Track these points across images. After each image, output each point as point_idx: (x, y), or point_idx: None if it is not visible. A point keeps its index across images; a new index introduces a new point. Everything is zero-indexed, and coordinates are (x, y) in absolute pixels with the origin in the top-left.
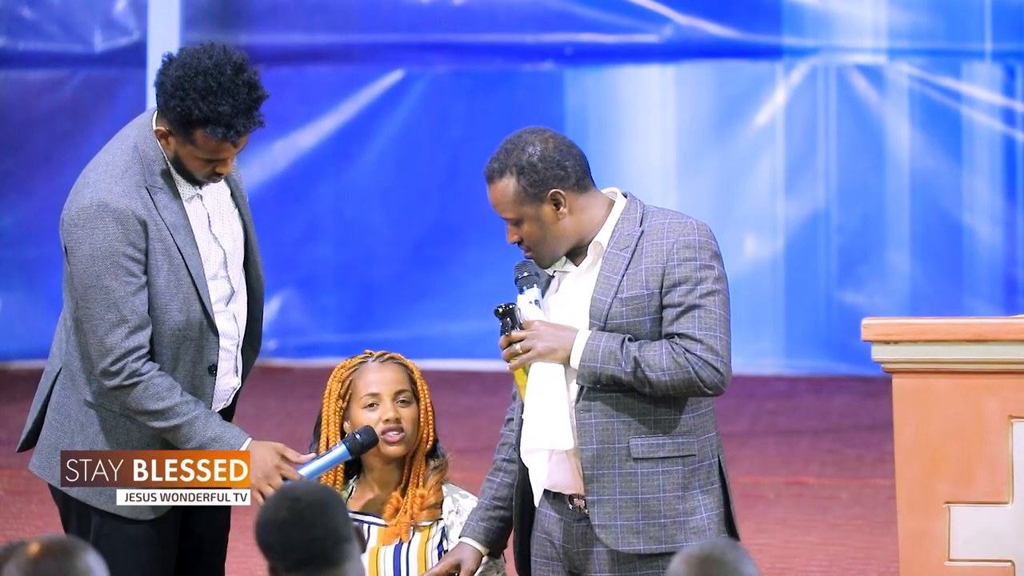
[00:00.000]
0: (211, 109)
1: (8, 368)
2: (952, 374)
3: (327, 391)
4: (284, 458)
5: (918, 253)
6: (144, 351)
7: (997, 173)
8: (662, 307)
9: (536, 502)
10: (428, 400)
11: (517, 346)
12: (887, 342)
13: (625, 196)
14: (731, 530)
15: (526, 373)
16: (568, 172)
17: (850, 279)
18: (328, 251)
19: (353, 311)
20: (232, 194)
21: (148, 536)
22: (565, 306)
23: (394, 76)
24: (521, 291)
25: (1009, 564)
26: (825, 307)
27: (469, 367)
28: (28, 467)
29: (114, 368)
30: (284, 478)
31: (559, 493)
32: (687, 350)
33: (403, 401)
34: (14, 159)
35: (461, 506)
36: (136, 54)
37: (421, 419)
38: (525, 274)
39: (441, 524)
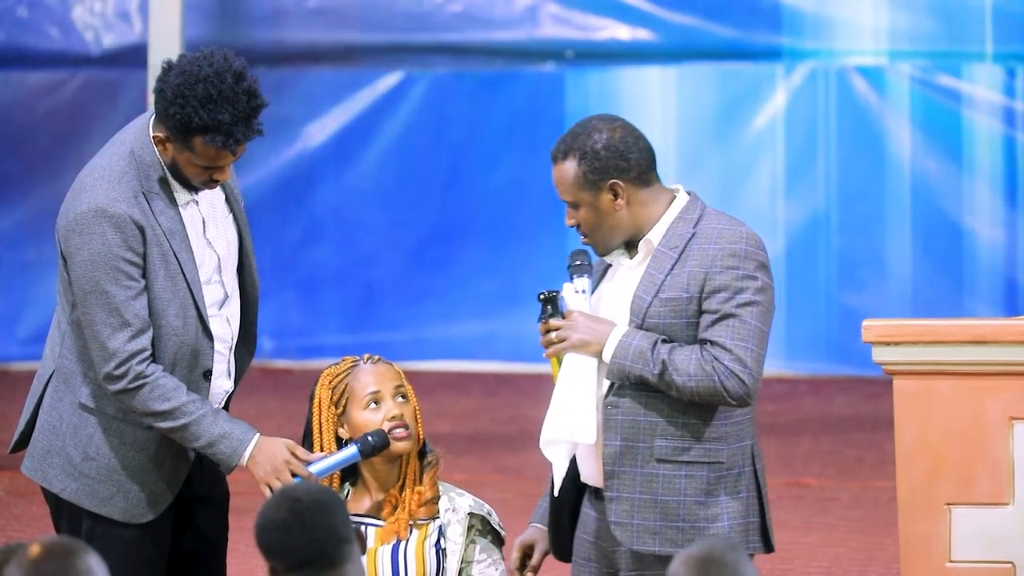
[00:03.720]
0: (211, 117)
1: (9, 369)
2: (953, 375)
3: (316, 400)
4: (293, 454)
5: (919, 255)
6: (147, 354)
7: (998, 174)
8: (701, 312)
9: (555, 492)
10: (415, 398)
11: (553, 335)
12: (888, 344)
13: (689, 194)
14: (765, 540)
15: (560, 362)
16: (630, 164)
17: (850, 281)
18: (329, 252)
19: (354, 312)
20: (227, 199)
21: (140, 539)
22: (614, 297)
23: (394, 77)
24: (571, 278)
25: (1010, 565)
26: (825, 309)
27: (470, 368)
28: (20, 469)
29: (118, 372)
30: (293, 474)
31: (599, 490)
32: (716, 358)
33: (402, 397)
34: (14, 161)
35: (457, 504)
36: (137, 55)
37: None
38: (578, 263)
39: (438, 523)
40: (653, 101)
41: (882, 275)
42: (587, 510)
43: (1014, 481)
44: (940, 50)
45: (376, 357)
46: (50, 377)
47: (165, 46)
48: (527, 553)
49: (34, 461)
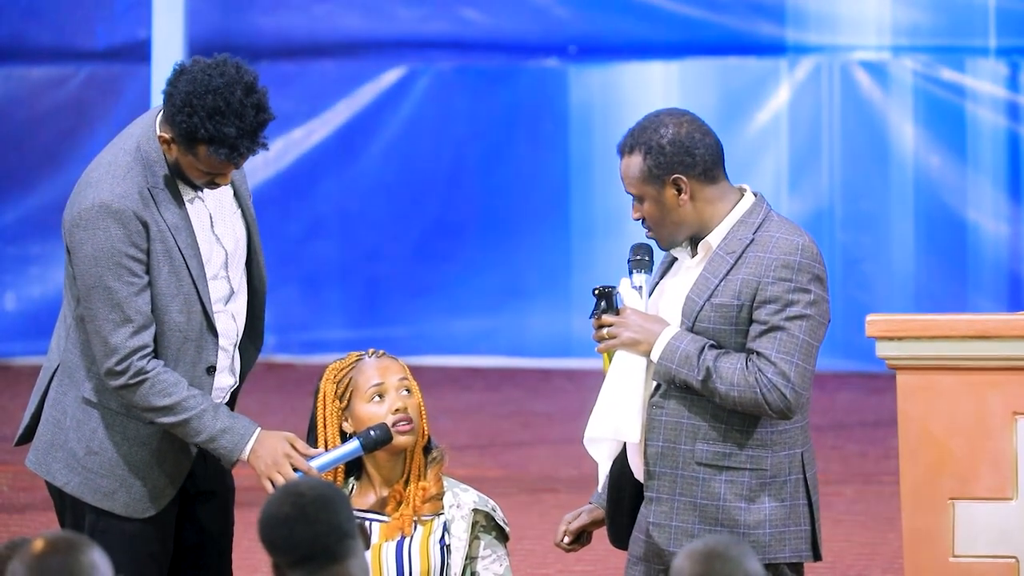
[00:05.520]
0: (217, 130)
1: (12, 364)
2: (956, 370)
3: (320, 394)
4: (294, 447)
5: (922, 249)
6: (149, 350)
7: (1001, 169)
8: (751, 320)
9: (600, 488)
10: (419, 393)
11: (605, 331)
12: (891, 338)
13: (755, 195)
14: (814, 549)
15: (610, 359)
16: (695, 160)
17: (854, 276)
18: (331, 247)
19: (356, 307)
20: (235, 194)
21: (143, 533)
22: (673, 294)
23: (397, 72)
24: (630, 273)
25: (1013, 560)
26: (829, 303)
27: (472, 363)
28: (24, 463)
29: (119, 368)
30: (294, 468)
31: None
32: (760, 370)
33: (406, 391)
34: (18, 155)
35: (461, 500)
36: (140, 51)
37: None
38: (638, 258)
39: (442, 518)
40: (656, 96)
41: (886, 270)
42: (642, 507)
43: (1017, 476)
44: (943, 45)
45: (380, 352)
46: (55, 371)
47: (168, 42)
48: (569, 522)
49: (38, 455)
